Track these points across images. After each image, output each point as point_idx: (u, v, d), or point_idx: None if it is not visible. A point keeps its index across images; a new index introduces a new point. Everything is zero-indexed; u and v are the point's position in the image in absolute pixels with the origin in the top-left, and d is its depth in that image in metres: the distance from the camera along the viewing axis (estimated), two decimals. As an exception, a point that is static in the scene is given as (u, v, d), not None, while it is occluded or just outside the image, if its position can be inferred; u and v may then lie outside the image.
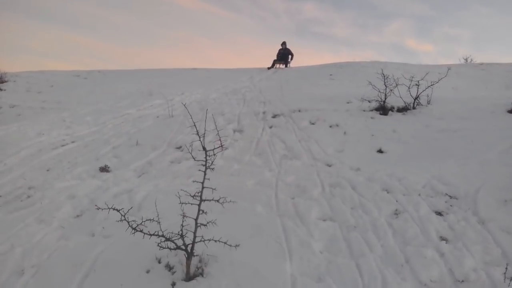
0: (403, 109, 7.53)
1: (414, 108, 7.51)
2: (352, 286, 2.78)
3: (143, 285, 2.80)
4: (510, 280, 2.79)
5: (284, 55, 16.00)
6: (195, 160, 3.07)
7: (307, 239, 3.35)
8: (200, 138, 2.81)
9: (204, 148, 2.79)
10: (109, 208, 2.71)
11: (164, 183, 4.77)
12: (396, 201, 4.02)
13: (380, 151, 5.75)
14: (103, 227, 3.67)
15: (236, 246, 2.86)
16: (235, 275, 2.83)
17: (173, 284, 2.78)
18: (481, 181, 4.26)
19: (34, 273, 3.02)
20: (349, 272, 2.93)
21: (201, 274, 2.85)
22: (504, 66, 13.52)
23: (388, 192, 4.23)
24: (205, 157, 2.80)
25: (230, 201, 3.03)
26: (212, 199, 2.83)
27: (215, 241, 2.81)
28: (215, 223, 2.87)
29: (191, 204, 2.83)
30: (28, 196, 4.54)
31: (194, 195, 2.80)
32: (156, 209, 3.06)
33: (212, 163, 2.84)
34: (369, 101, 7.92)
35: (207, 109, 5.96)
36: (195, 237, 2.81)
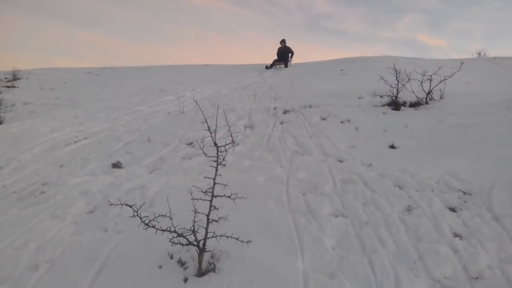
0: (415, 104, 7.45)
1: (426, 103, 7.43)
2: (365, 283, 2.76)
3: (155, 280, 2.81)
4: (526, 277, 2.75)
5: (283, 54, 15.28)
6: (206, 156, 3.08)
7: (319, 235, 3.34)
8: (211, 134, 2.80)
9: (215, 144, 2.79)
10: (122, 204, 2.72)
11: (175, 179, 4.78)
12: (409, 197, 3.98)
13: (392, 146, 5.70)
14: (116, 223, 3.70)
15: (248, 242, 2.86)
16: (247, 271, 2.83)
17: (185, 279, 2.79)
18: (495, 177, 4.20)
19: (48, 268, 3.06)
20: (361, 269, 2.91)
21: (213, 270, 2.85)
22: (519, 60, 13.30)
23: (400, 188, 4.19)
24: (217, 153, 2.80)
25: (242, 197, 3.03)
26: (224, 195, 2.83)
27: (227, 237, 2.81)
28: (226, 219, 2.87)
29: (203, 200, 2.83)
30: (42, 192, 4.59)
31: (206, 191, 2.80)
32: (168, 205, 3.07)
33: (223, 159, 2.84)
34: (381, 96, 7.85)
35: (218, 105, 5.95)
36: (207, 232, 2.82)
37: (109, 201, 3.34)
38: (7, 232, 3.62)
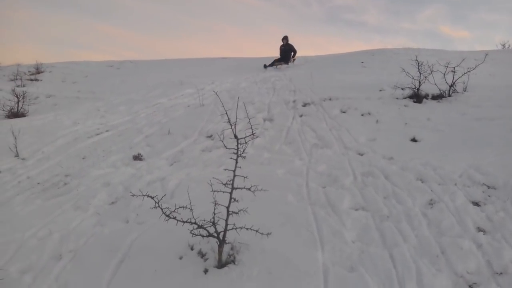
0: (438, 97, 7.30)
1: (449, 95, 7.28)
2: (386, 277, 2.74)
3: (176, 271, 2.84)
4: (553, 274, 2.69)
5: (285, 52, 14.20)
6: (226, 148, 3.08)
7: (339, 228, 3.31)
8: (231, 126, 2.81)
9: (235, 136, 2.78)
10: (144, 195, 2.76)
11: (195, 171, 4.81)
12: (431, 190, 3.91)
13: (414, 139, 5.61)
14: (137, 214, 3.75)
15: (268, 234, 2.86)
16: (266, 263, 2.84)
17: (206, 270, 2.82)
18: (521, 171, 4.10)
19: (72, 258, 3.12)
20: (382, 262, 2.88)
21: (233, 262, 2.87)
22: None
23: (422, 182, 4.12)
24: (237, 145, 2.80)
25: (261, 189, 3.02)
26: (244, 187, 2.83)
27: (247, 229, 2.82)
28: (246, 211, 2.87)
29: (223, 192, 2.84)
30: (65, 184, 4.68)
31: (226, 183, 2.81)
32: (189, 196, 3.09)
33: (243, 151, 2.84)
34: (402, 89, 7.73)
35: (238, 97, 5.95)
36: (227, 224, 2.83)
37: (131, 192, 3.38)
38: (32, 222, 3.71)
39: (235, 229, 2.80)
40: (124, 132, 6.82)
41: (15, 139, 5.88)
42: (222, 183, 2.82)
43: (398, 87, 7.80)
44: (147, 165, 5.16)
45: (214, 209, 2.82)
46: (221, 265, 2.84)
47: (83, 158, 5.62)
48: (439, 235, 3.20)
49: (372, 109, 6.92)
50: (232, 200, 2.82)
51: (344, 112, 7.01)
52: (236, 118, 3.29)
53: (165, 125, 7.02)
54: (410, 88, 7.49)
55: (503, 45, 16.33)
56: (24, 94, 9.28)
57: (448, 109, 6.69)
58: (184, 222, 2.75)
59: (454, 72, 7.33)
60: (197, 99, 8.75)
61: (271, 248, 2.97)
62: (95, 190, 4.38)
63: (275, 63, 14.14)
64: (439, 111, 6.60)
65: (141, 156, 5.52)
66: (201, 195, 3.58)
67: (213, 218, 2.81)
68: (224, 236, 2.84)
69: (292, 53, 14.22)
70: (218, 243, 2.83)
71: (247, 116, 3.55)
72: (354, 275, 2.74)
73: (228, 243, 2.96)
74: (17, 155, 5.70)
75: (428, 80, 7.47)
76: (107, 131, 6.93)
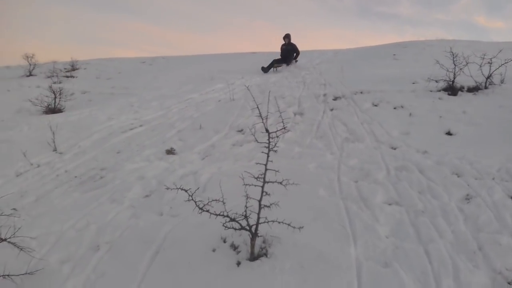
0: (473, 89, 7.07)
1: (486, 87, 7.04)
2: (421, 273, 2.69)
3: (209, 263, 2.88)
4: None
5: (287, 52, 12.68)
6: (258, 142, 3.09)
7: (372, 223, 3.28)
8: (263, 120, 2.81)
9: (267, 130, 2.79)
10: (178, 189, 2.80)
11: (226, 165, 4.86)
12: (468, 185, 3.81)
13: (449, 133, 5.47)
14: (171, 207, 3.82)
15: (300, 228, 2.85)
16: (298, 256, 2.84)
17: (238, 263, 2.84)
18: None
19: (108, 249, 3.21)
20: (417, 258, 2.83)
21: (265, 255, 2.88)
22: None
23: (458, 176, 4.02)
24: (268, 139, 2.80)
25: (293, 183, 3.02)
26: (275, 181, 2.83)
27: (279, 222, 2.82)
28: (278, 205, 2.88)
29: (254, 186, 2.85)
30: (101, 177, 4.81)
31: (258, 176, 2.82)
32: (221, 190, 3.12)
33: (275, 145, 2.84)
34: (436, 81, 7.53)
35: (269, 91, 5.95)
36: (258, 218, 2.84)
37: (165, 185, 3.45)
38: (70, 215, 3.85)
39: (267, 222, 2.81)
40: (157, 127, 6.94)
41: (53, 134, 6.08)
42: (253, 176, 2.83)
43: (432, 80, 7.60)
44: (180, 159, 5.24)
45: (246, 202, 2.84)
46: (253, 258, 2.86)
47: (118, 153, 5.76)
48: (476, 231, 3.11)
49: (405, 102, 6.78)
50: (264, 193, 2.83)
51: (376, 106, 6.90)
52: (268, 112, 3.29)
53: (196, 120, 7.10)
54: (445, 80, 7.29)
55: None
56: (60, 91, 9.56)
57: (484, 101, 6.48)
58: (217, 215, 2.78)
59: (491, 63, 7.08)
60: (228, 94, 8.80)
61: (303, 242, 2.97)
62: (130, 183, 4.49)
63: (274, 64, 12.44)
64: (475, 104, 6.40)
65: (174, 150, 5.61)
66: (232, 188, 3.61)
67: (245, 211, 2.83)
68: (256, 229, 2.85)
69: (295, 54, 12.85)
70: (251, 236, 2.85)
71: (278, 110, 3.55)
72: (388, 271, 2.70)
73: (260, 236, 2.98)
74: (55, 150, 5.90)
75: (463, 72, 7.24)
76: (140, 126, 7.07)
